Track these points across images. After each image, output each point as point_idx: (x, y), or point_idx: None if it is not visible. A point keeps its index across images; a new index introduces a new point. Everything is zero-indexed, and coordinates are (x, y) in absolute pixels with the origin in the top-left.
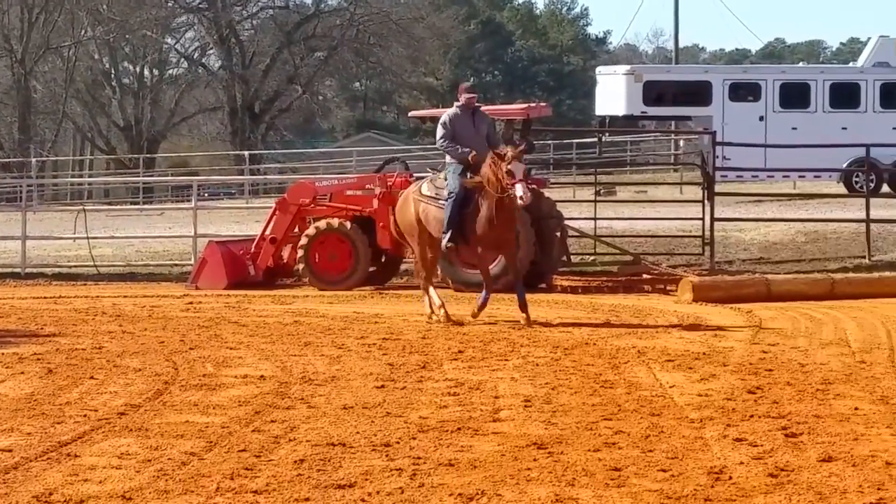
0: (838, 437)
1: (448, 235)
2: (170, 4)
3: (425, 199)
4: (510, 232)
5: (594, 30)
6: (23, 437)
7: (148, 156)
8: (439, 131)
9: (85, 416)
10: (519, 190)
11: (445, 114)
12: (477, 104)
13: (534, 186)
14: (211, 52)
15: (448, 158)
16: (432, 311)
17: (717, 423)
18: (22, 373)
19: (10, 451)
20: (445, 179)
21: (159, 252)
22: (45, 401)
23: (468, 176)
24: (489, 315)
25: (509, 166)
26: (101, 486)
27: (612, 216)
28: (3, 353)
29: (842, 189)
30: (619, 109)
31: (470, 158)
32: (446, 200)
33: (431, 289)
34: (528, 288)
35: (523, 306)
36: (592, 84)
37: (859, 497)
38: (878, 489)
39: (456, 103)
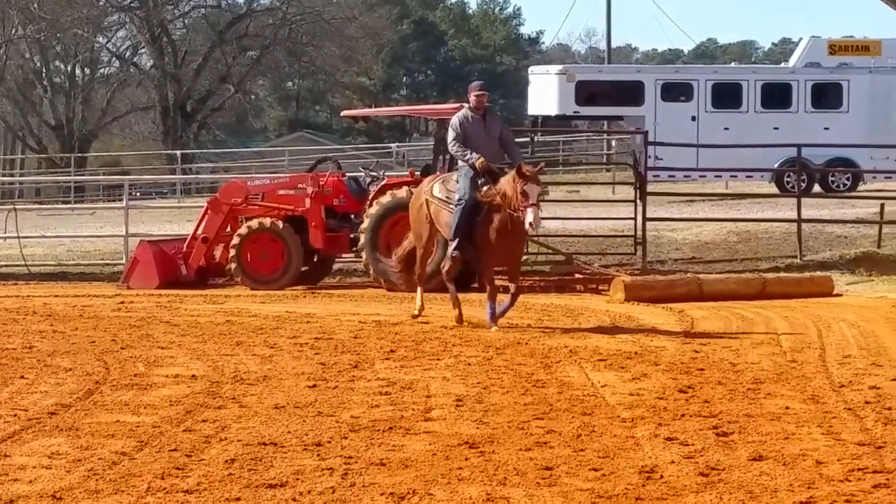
0: (769, 437)
1: (455, 244)
2: (101, 3)
3: (436, 201)
4: (519, 246)
5: (527, 30)
6: None
7: (79, 155)
8: (450, 134)
9: (15, 415)
10: (529, 215)
11: (456, 116)
12: (488, 104)
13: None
14: (143, 51)
15: (460, 162)
16: (421, 307)
17: (648, 423)
18: None
19: None
20: (457, 182)
21: (91, 251)
22: None
23: (480, 182)
24: (421, 315)
25: (524, 187)
26: (31, 486)
27: (545, 216)
28: None
29: (773, 189)
30: (552, 109)
31: (478, 165)
32: (455, 205)
33: (419, 291)
34: (462, 288)
35: (495, 317)
36: (525, 84)
37: (790, 496)
38: (809, 488)
39: (465, 104)
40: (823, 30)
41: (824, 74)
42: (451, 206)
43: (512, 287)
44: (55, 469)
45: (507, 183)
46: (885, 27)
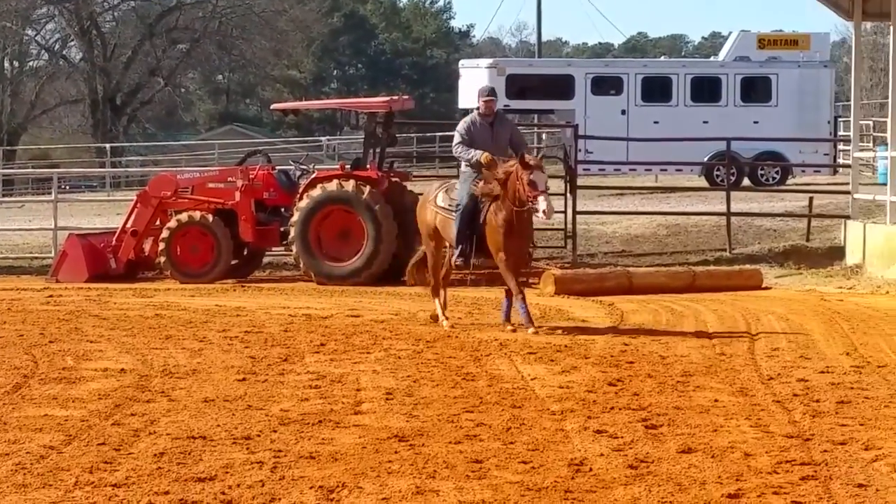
0: (698, 429)
1: (458, 251)
2: None
3: (441, 210)
4: (526, 243)
5: (457, 23)
6: None
7: (8, 148)
8: (455, 139)
9: None
10: (542, 203)
11: (463, 121)
12: (498, 109)
13: (396, 179)
14: (72, 43)
15: (462, 166)
16: (445, 319)
17: (577, 415)
18: None
19: None
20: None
21: (19, 245)
22: None
23: (475, 178)
24: (351, 308)
25: (531, 176)
26: None
27: None
28: None
29: (703, 182)
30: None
31: (482, 159)
32: (455, 212)
33: (437, 302)
34: (389, 281)
35: (530, 317)
36: (456, 77)
37: (718, 488)
38: (737, 480)
39: (475, 109)
40: (753, 24)
41: (753, 68)
42: (454, 213)
43: (521, 290)
44: None
45: (509, 174)
46: (813, 21)
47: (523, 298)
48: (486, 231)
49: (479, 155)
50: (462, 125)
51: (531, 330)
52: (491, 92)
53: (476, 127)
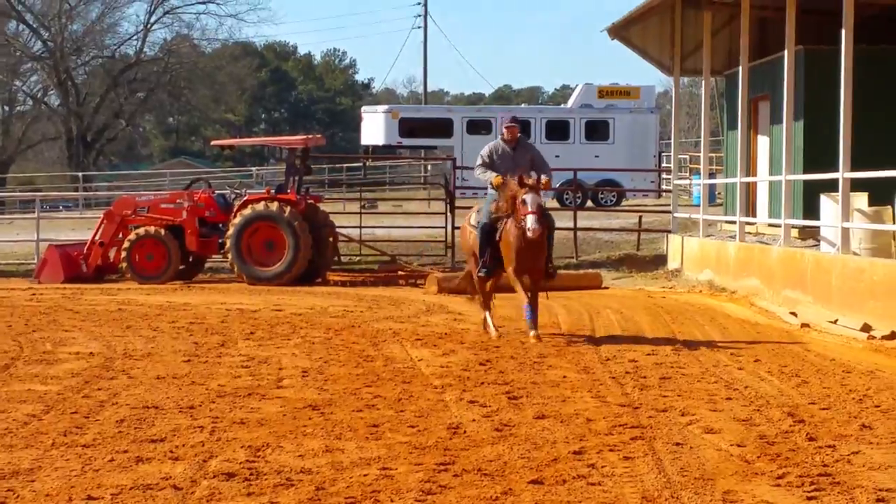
0: (550, 399)
1: (480, 264)
2: (17, 54)
3: (472, 229)
4: (538, 257)
5: (361, 76)
6: None
7: (0, 175)
8: (476, 161)
9: None
10: (529, 221)
11: (487, 146)
12: (520, 135)
13: (311, 201)
14: (52, 92)
15: (489, 189)
16: (494, 329)
17: (455, 389)
18: None
19: None
20: None
21: (8, 253)
22: None
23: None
24: (275, 304)
25: (524, 196)
26: None
27: (374, 225)
28: None
29: (555, 204)
30: (380, 140)
31: (493, 181)
32: (478, 230)
33: (486, 314)
34: (306, 282)
35: (534, 324)
36: (359, 120)
37: (566, 446)
38: (580, 440)
39: (500, 135)
40: (594, 78)
41: (595, 113)
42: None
43: (527, 295)
44: None
45: (515, 195)
46: (642, 76)
47: (531, 305)
48: (501, 246)
49: (491, 176)
50: (486, 149)
51: (532, 334)
52: (513, 120)
53: (498, 152)
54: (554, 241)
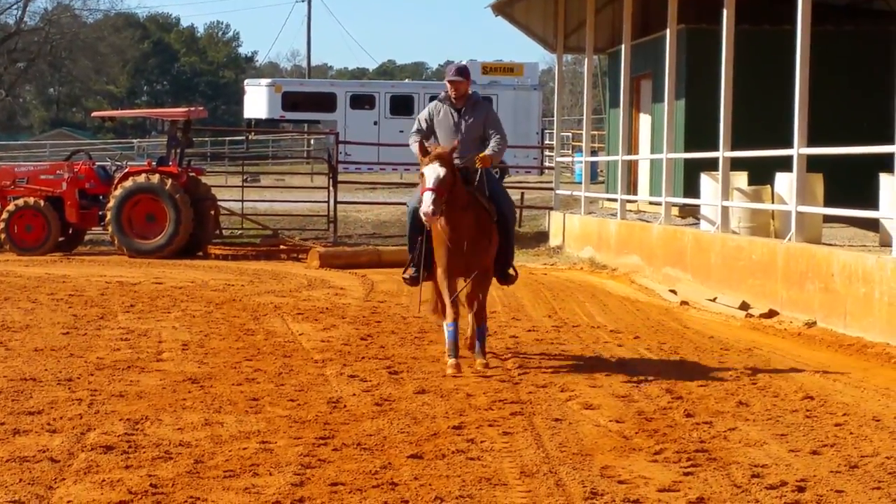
0: (430, 375)
1: (409, 261)
2: None
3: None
4: (477, 255)
5: (244, 50)
6: None
7: None
8: (412, 127)
9: None
10: (424, 201)
11: (426, 107)
12: (472, 92)
13: (193, 174)
14: None
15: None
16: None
17: (335, 363)
18: None
19: None
20: None
21: None
22: None
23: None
24: (156, 277)
25: (424, 169)
26: None
27: (256, 199)
28: None
29: None
30: (263, 114)
31: (417, 150)
32: (408, 216)
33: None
34: (187, 255)
35: (476, 347)
36: (242, 93)
37: (445, 421)
38: (460, 415)
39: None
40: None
41: (479, 90)
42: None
43: (468, 310)
44: None
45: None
46: (525, 52)
47: (476, 323)
48: (431, 237)
49: (415, 147)
50: (424, 112)
51: (479, 360)
52: (459, 72)
53: (438, 115)
54: (514, 236)
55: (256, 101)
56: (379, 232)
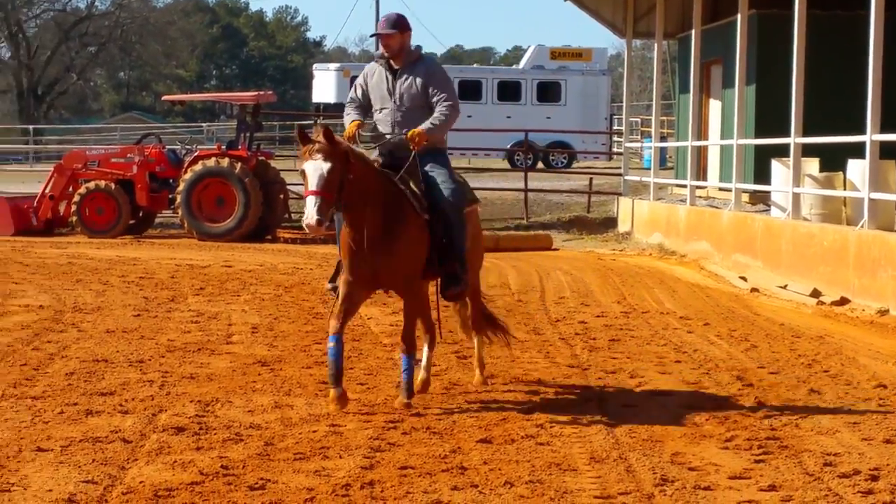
0: (499, 360)
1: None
2: None
3: None
4: (388, 256)
5: (312, 34)
6: None
7: None
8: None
9: None
10: (306, 209)
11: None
12: (416, 47)
13: (262, 157)
14: (2, 44)
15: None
16: (406, 392)
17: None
18: None
19: None
20: None
21: None
22: None
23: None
24: (225, 260)
25: (304, 165)
26: None
27: None
28: None
29: (506, 165)
30: (331, 98)
31: (347, 130)
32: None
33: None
34: (256, 239)
35: (402, 381)
36: (310, 78)
37: (515, 406)
38: (529, 400)
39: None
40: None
41: (547, 75)
42: None
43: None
44: None
45: None
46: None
47: (408, 368)
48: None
49: (346, 122)
50: (359, 77)
51: (401, 398)
52: (391, 22)
53: (373, 79)
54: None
55: (325, 85)
56: None
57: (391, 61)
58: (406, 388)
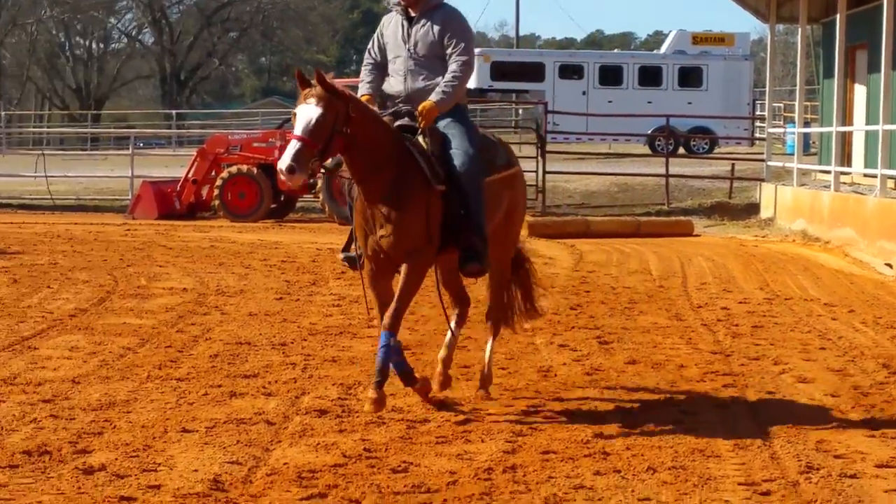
0: (641, 345)
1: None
2: None
3: None
4: (397, 229)
5: None
6: None
7: (95, 112)
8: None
9: (43, 316)
10: (284, 154)
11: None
12: None
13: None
14: (146, 30)
15: None
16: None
17: (545, 333)
18: None
19: None
20: None
21: (103, 189)
22: (11, 304)
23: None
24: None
25: (295, 109)
26: (55, 373)
27: None
28: None
29: (647, 150)
30: (472, 83)
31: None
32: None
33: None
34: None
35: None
36: None
37: (656, 392)
38: (672, 386)
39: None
40: (688, 24)
41: (688, 60)
42: None
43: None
44: (74, 360)
45: None
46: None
47: (385, 345)
48: None
49: (360, 93)
50: (377, 30)
51: (369, 392)
52: None
53: (389, 28)
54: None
55: None
56: (587, 202)
57: (409, 9)
58: (379, 372)
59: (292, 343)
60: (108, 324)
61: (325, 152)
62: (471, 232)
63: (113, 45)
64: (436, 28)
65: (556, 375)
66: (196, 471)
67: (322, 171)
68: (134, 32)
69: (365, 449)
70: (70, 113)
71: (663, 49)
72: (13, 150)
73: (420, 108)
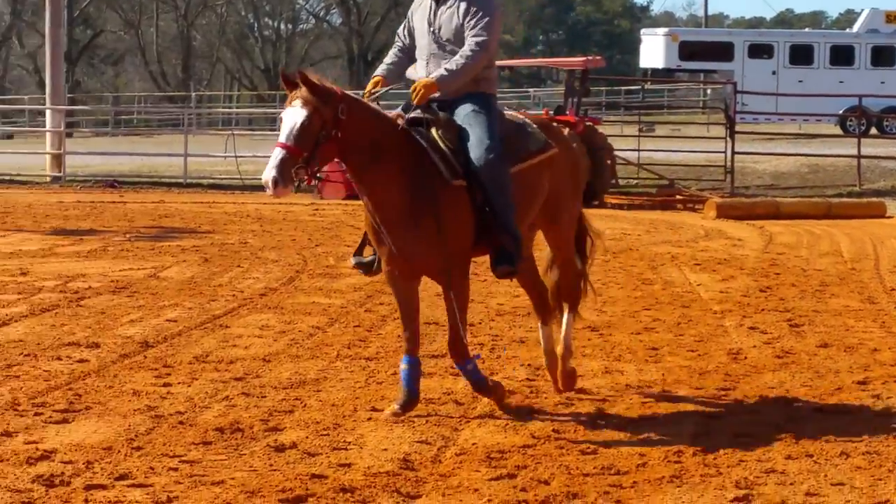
0: (833, 328)
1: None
2: None
3: None
4: (415, 237)
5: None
6: (185, 311)
7: (283, 93)
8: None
9: (233, 295)
10: (266, 170)
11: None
12: None
13: (590, 123)
14: (333, 11)
15: None
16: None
17: (734, 315)
18: (184, 261)
19: (175, 321)
20: None
21: None
22: (203, 283)
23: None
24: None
25: (282, 113)
26: (246, 351)
27: (651, 149)
28: (168, 246)
29: (838, 131)
30: (659, 63)
31: (370, 85)
32: None
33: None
34: (583, 204)
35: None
36: (637, 43)
37: (850, 376)
38: (865, 370)
39: None
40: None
41: (882, 39)
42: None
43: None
44: (265, 338)
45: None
46: None
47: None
48: None
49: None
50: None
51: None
52: None
53: (418, 9)
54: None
55: (653, 50)
56: (777, 183)
57: None
58: (482, 391)
59: (479, 324)
60: (298, 303)
61: (311, 160)
62: (500, 230)
63: (301, 26)
64: (462, 8)
65: (745, 358)
66: (386, 450)
67: (316, 180)
68: (322, 13)
69: (553, 430)
70: (259, 93)
71: (856, 28)
72: (203, 131)
73: (416, 83)
